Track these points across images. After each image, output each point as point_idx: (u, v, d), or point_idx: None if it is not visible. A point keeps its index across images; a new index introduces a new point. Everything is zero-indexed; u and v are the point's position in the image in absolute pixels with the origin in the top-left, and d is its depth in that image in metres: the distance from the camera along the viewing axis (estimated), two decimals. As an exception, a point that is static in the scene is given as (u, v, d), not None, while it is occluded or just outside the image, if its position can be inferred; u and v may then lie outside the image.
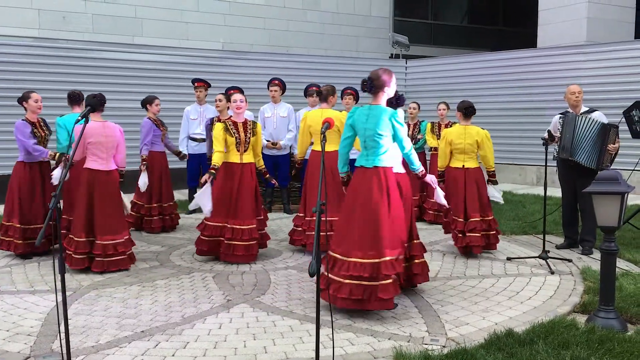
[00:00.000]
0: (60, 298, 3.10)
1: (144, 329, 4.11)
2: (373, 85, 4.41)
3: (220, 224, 5.86)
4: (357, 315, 4.38)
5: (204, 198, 5.68)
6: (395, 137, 4.44)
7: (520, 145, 11.67)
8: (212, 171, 5.69)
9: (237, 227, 5.81)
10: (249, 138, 5.94)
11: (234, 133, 5.88)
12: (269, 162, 8.03)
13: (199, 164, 8.42)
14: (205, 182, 5.68)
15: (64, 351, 3.15)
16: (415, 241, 4.79)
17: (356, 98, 8.44)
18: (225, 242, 5.82)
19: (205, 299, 4.80)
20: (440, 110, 8.10)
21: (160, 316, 4.38)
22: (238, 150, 5.92)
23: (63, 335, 3.14)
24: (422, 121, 8.42)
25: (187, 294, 4.91)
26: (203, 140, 8.23)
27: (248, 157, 5.99)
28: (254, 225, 5.89)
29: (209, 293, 4.95)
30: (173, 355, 3.68)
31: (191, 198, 7.27)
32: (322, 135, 3.70)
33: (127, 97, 10.41)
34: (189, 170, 8.59)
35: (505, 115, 11.88)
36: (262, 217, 6.18)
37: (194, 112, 8.50)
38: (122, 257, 5.60)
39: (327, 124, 3.90)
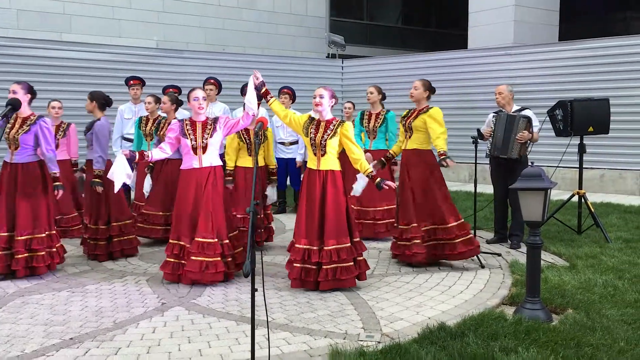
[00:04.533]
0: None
1: (72, 336, 3.97)
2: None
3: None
4: (293, 313, 4.40)
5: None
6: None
7: (452, 144, 11.87)
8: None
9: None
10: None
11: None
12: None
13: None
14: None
15: (-15, 362, 3.01)
16: None
17: (292, 97, 8.45)
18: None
19: (139, 303, 4.68)
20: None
21: (91, 322, 4.25)
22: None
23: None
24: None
25: (120, 299, 4.79)
26: None
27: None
28: None
29: (143, 297, 4.83)
30: (104, 362, 3.59)
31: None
32: (256, 134, 3.70)
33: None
34: None
35: (439, 114, 12.17)
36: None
37: (129, 112, 8.25)
38: None
39: (261, 123, 3.91)
